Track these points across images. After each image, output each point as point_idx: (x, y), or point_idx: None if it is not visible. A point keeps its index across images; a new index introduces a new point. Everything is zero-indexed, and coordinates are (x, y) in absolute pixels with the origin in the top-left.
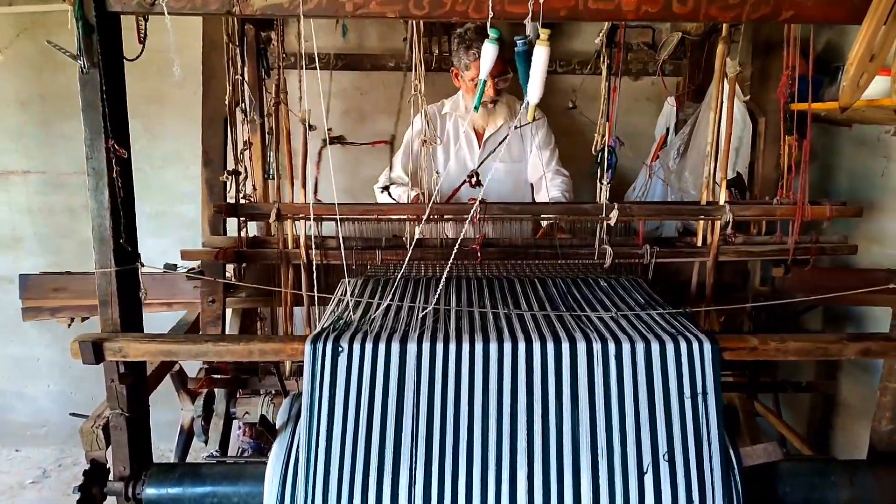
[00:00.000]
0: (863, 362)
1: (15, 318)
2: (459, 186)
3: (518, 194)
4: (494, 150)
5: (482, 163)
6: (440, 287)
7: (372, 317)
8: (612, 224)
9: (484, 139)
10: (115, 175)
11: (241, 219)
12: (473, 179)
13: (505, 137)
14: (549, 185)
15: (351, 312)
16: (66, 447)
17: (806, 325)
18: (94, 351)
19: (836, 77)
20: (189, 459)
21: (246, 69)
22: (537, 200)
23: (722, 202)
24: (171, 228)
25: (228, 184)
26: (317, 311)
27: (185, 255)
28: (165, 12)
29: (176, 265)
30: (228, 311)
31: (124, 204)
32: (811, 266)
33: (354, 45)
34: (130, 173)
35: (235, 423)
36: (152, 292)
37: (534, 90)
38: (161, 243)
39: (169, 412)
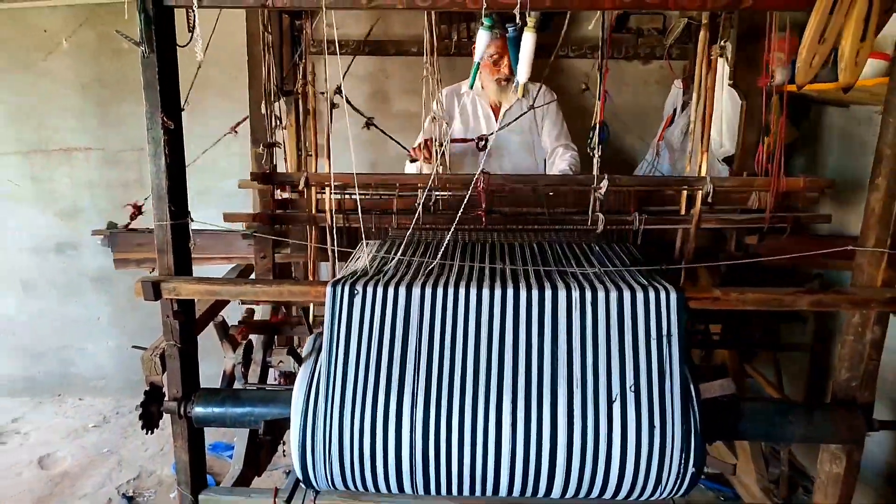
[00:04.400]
0: None
1: (77, 280)
2: (468, 140)
3: (530, 164)
4: (509, 123)
5: (493, 133)
6: (445, 243)
7: (386, 269)
8: (603, 193)
9: (501, 113)
10: (163, 143)
11: (274, 187)
12: (481, 143)
13: (522, 113)
14: (558, 159)
15: (367, 265)
16: (122, 398)
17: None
18: (154, 289)
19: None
20: None
21: (283, 55)
22: (548, 171)
23: (704, 174)
24: (216, 203)
25: (265, 157)
26: (336, 267)
27: (227, 217)
28: (211, 5)
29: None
30: None
31: (176, 167)
32: (787, 235)
33: (380, 32)
34: (181, 143)
35: (272, 371)
36: (213, 248)
37: (522, 70)
38: (207, 215)
39: (217, 365)
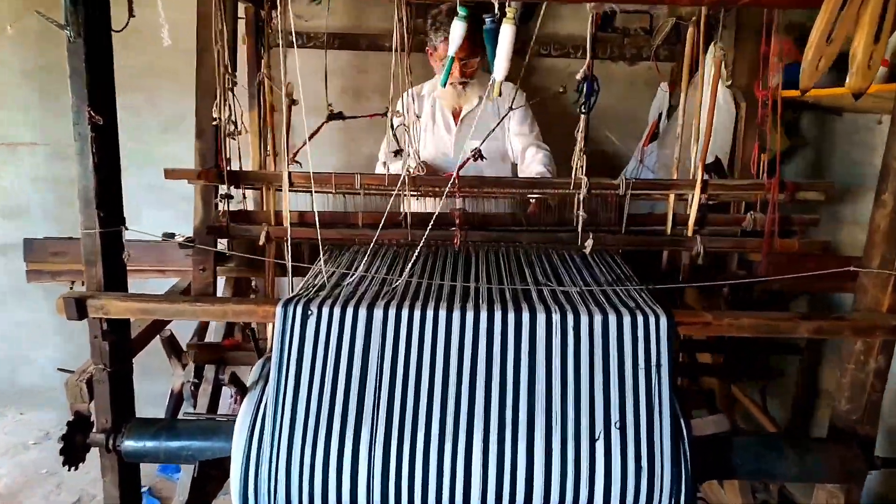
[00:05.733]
0: None
1: (24, 284)
2: (464, 163)
3: (499, 171)
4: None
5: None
6: (413, 259)
7: (345, 284)
8: (583, 198)
9: (460, 118)
10: (90, 140)
11: (223, 195)
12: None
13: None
14: (531, 160)
15: (325, 281)
16: (67, 414)
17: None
18: (78, 307)
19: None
20: None
21: (245, 46)
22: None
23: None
24: (172, 200)
25: (218, 151)
26: (293, 282)
27: (169, 174)
28: None
29: (174, 234)
30: (220, 280)
31: (108, 168)
32: (795, 246)
33: (353, 25)
34: (114, 140)
35: (226, 389)
36: (146, 258)
37: (500, 66)
38: (161, 215)
39: (165, 384)
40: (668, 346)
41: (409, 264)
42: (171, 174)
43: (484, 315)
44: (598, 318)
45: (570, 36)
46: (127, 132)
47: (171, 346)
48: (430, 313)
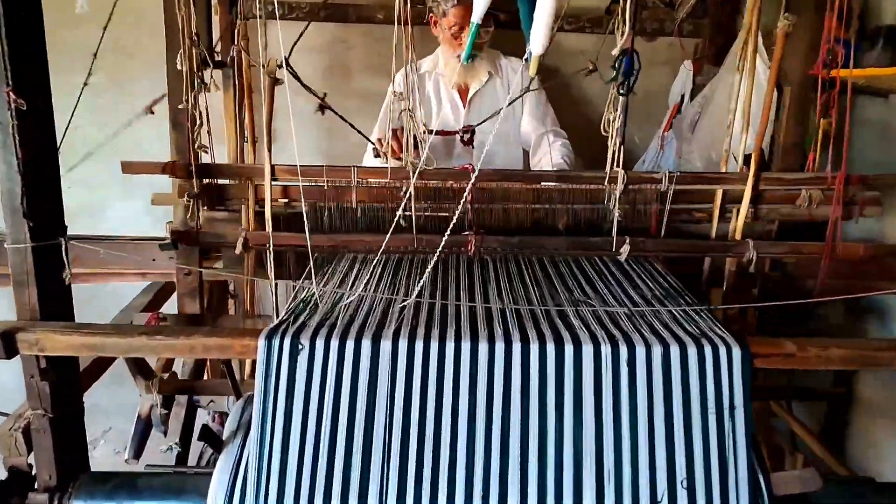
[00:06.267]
0: None
1: None
2: (448, 132)
3: (510, 159)
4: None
5: (479, 124)
6: (426, 273)
7: (343, 304)
8: (620, 195)
9: (468, 97)
10: (13, 130)
11: (191, 195)
12: (466, 136)
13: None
14: (550, 149)
15: (317, 298)
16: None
17: (822, 314)
18: (5, 344)
19: (876, 40)
20: (147, 452)
21: (217, 17)
22: (533, 166)
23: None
24: (143, 190)
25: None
26: (276, 304)
27: (126, 167)
28: None
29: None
30: None
31: (40, 165)
32: (860, 252)
33: None
34: (50, 130)
35: (201, 411)
36: (127, 262)
37: (538, 37)
38: (132, 206)
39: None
40: (742, 384)
41: (418, 279)
42: (129, 168)
43: (517, 348)
44: (656, 351)
45: (584, 7)
46: (88, 117)
47: (136, 363)
48: (450, 346)
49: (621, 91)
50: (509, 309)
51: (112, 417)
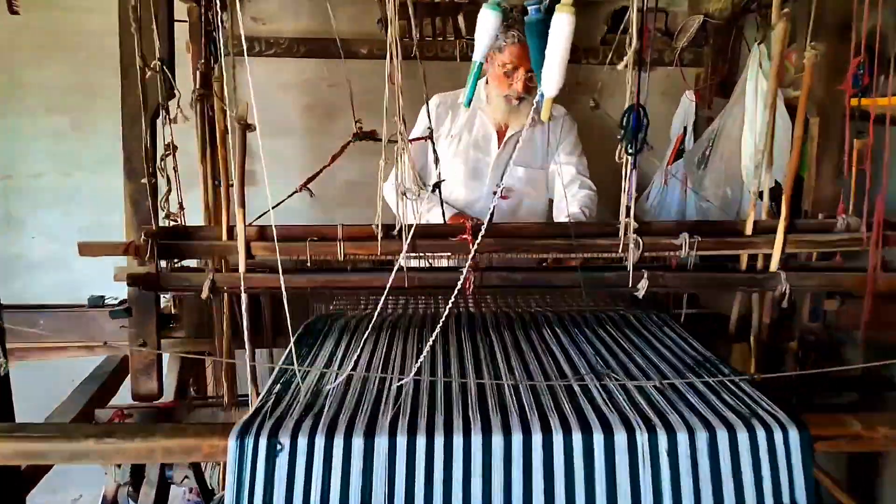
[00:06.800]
0: None
1: None
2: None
3: (537, 207)
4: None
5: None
6: (424, 351)
7: (329, 391)
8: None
9: (504, 139)
10: None
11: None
12: (501, 193)
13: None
14: (570, 199)
15: (300, 380)
16: None
17: (845, 357)
18: None
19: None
20: None
21: (190, 55)
22: (555, 217)
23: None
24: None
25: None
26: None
27: (84, 248)
28: None
29: (103, 297)
30: (166, 357)
31: None
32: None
33: (320, 29)
34: None
35: (175, 488)
36: (69, 332)
37: (551, 77)
38: (93, 264)
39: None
40: (804, 472)
41: (416, 351)
42: (87, 249)
43: (537, 439)
44: (701, 437)
45: (578, 37)
46: (47, 163)
47: None
48: (457, 441)
49: (629, 151)
50: (523, 385)
51: (82, 486)
